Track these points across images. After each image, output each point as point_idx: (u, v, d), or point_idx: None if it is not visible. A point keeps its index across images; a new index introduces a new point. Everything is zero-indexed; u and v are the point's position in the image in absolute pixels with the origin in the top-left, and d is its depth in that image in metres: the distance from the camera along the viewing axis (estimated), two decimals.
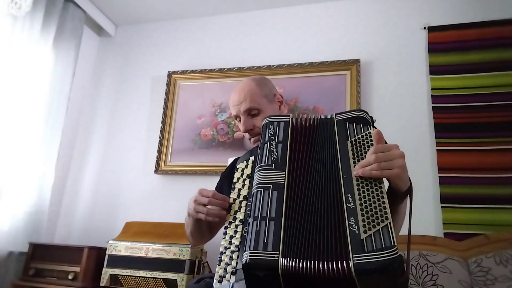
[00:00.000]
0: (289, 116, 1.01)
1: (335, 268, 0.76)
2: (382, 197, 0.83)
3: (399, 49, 2.47)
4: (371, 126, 0.95)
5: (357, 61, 2.46)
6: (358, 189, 0.85)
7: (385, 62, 2.47)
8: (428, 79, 2.35)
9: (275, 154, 0.94)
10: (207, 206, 1.02)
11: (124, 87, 2.96)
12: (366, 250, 0.76)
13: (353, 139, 0.93)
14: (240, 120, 1.29)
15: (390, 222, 0.78)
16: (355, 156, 0.90)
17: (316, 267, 0.77)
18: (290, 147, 0.95)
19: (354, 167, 0.88)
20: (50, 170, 2.47)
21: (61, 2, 2.57)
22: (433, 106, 2.28)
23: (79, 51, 2.72)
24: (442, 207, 2.09)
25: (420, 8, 2.51)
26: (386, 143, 0.91)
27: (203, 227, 1.20)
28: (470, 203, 2.06)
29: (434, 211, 2.13)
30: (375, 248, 0.76)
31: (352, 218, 0.81)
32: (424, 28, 2.44)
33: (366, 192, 0.84)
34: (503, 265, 1.75)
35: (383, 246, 0.75)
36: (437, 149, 2.19)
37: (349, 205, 0.83)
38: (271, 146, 0.95)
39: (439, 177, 2.14)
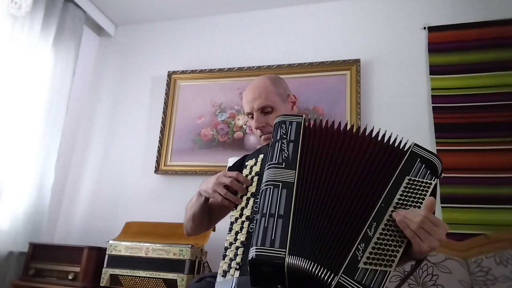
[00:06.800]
0: (302, 116, 1.00)
1: (321, 276, 0.78)
2: (400, 246, 0.82)
3: (399, 49, 2.47)
4: (436, 178, 0.92)
5: (357, 61, 2.46)
6: (386, 225, 0.84)
7: (385, 62, 2.47)
8: (428, 79, 2.35)
9: (286, 152, 0.94)
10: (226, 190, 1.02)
11: (124, 87, 2.96)
12: (354, 278, 0.77)
13: (413, 178, 0.91)
14: (252, 117, 1.28)
15: (390, 271, 0.79)
16: (404, 195, 0.88)
17: (313, 269, 0.79)
18: (301, 147, 0.94)
19: (396, 203, 0.87)
20: (50, 170, 2.47)
21: (61, 2, 2.57)
22: (433, 106, 2.28)
23: (79, 51, 2.72)
24: (442, 207, 2.09)
25: (420, 8, 2.51)
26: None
27: (206, 212, 1.20)
28: (470, 203, 2.06)
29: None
30: (362, 282, 0.77)
31: (363, 244, 0.81)
32: (424, 28, 2.44)
33: (390, 232, 0.83)
34: (503, 265, 1.75)
35: (370, 287, 0.77)
36: (437, 149, 2.19)
37: (368, 232, 0.83)
38: (283, 144, 0.95)
39: None
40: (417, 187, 0.89)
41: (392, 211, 0.85)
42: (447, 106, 2.25)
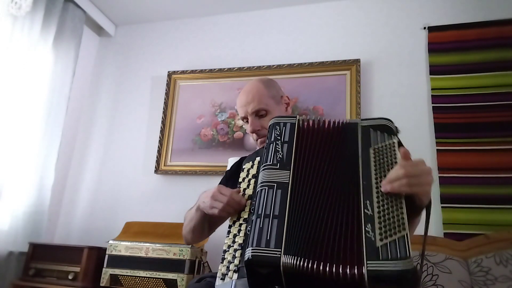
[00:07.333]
0: (296, 117, 1.01)
1: (347, 272, 0.76)
2: (401, 207, 0.82)
3: (399, 49, 2.47)
4: (395, 136, 0.94)
5: (357, 61, 2.46)
6: (377, 197, 0.85)
7: (385, 62, 2.47)
8: (428, 79, 2.35)
9: (280, 154, 0.94)
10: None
11: (124, 87, 2.96)
12: (380, 258, 0.76)
13: (376, 147, 0.93)
14: (247, 121, 1.29)
15: (407, 233, 0.78)
16: (377, 163, 0.90)
17: (323, 269, 0.77)
18: (295, 147, 0.95)
19: (375, 174, 0.88)
20: (50, 170, 2.47)
21: (61, 2, 2.57)
22: (433, 106, 2.28)
23: (79, 51, 2.72)
24: (442, 207, 2.09)
25: (420, 8, 2.51)
26: None
27: (206, 223, 1.20)
28: (470, 203, 2.06)
29: (434, 211, 2.11)
30: (390, 257, 0.76)
31: (369, 225, 0.81)
32: (424, 28, 2.44)
33: (385, 201, 0.84)
34: (503, 265, 1.75)
35: (398, 256, 0.75)
36: (437, 149, 2.19)
37: (367, 212, 0.83)
38: (277, 146, 0.96)
39: (439, 177, 2.14)
40: (385, 151, 0.91)
41: (376, 183, 0.86)
42: (447, 106, 2.25)
